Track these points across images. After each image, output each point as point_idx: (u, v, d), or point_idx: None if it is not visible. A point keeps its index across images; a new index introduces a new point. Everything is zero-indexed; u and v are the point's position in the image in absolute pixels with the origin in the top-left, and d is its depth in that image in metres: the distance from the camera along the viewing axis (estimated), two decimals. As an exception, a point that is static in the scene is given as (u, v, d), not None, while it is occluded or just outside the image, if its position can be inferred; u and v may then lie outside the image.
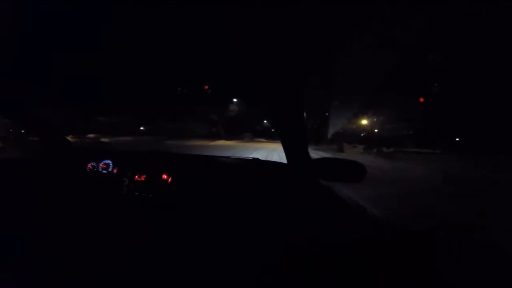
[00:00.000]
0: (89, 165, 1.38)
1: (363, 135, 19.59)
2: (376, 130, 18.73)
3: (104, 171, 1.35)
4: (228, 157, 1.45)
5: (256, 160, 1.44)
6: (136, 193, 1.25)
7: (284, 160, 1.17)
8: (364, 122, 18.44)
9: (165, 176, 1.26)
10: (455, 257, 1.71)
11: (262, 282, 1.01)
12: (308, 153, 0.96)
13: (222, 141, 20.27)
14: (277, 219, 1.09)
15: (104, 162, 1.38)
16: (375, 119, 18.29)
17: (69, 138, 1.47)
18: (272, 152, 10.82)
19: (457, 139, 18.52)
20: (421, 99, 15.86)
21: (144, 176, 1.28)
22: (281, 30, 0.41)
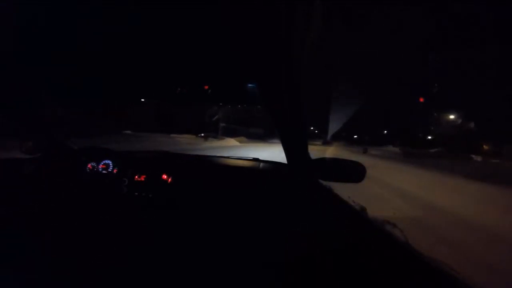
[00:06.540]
0: (89, 165, 1.38)
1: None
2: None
3: (104, 171, 1.35)
4: (228, 157, 1.45)
5: (256, 160, 1.45)
6: (136, 193, 1.25)
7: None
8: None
9: (165, 176, 1.26)
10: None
11: (262, 283, 1.01)
12: (308, 153, 0.96)
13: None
14: (277, 219, 1.09)
15: (104, 162, 1.37)
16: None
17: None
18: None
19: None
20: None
21: (144, 176, 1.27)
22: (281, 29, 0.41)
